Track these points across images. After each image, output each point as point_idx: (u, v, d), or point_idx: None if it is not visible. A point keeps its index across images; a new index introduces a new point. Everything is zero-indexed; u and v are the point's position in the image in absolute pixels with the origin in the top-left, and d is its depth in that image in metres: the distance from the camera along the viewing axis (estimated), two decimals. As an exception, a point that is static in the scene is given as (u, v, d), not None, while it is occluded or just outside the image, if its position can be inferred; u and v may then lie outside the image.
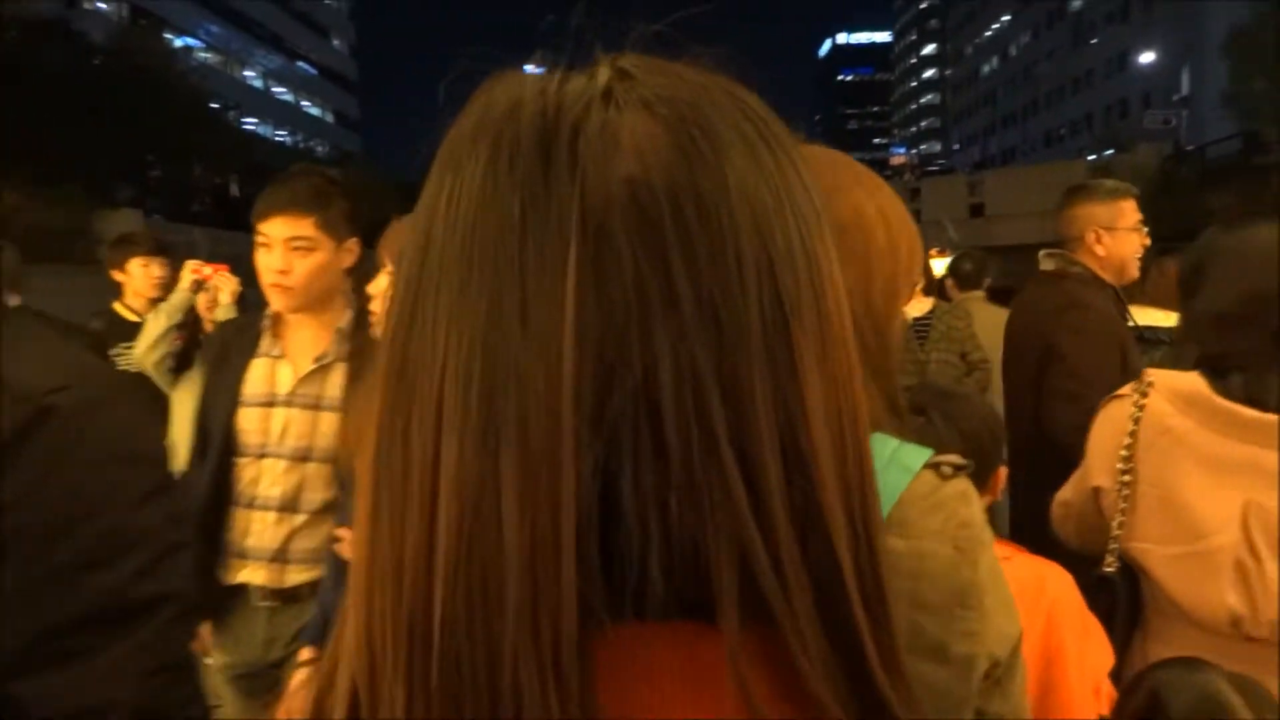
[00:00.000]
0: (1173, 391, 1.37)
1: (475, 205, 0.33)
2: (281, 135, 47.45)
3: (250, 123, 41.52)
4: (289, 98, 52.31)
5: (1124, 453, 1.39)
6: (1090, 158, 24.17)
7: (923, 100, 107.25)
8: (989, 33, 72.05)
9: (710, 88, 0.36)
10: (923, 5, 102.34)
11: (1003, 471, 1.43)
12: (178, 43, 35.89)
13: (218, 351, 1.90)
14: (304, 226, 1.76)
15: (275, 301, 1.80)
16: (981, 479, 1.31)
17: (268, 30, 48.64)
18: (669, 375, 0.31)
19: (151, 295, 3.44)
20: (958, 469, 0.72)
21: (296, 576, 1.79)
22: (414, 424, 0.33)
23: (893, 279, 0.80)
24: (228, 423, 1.81)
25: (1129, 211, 2.33)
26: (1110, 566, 1.41)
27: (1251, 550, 1.25)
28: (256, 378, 1.83)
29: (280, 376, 1.83)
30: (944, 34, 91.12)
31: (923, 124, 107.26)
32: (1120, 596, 1.41)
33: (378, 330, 1.49)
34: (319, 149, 47.82)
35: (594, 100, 0.34)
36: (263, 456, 1.79)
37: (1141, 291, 2.66)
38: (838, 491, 0.34)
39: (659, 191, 0.33)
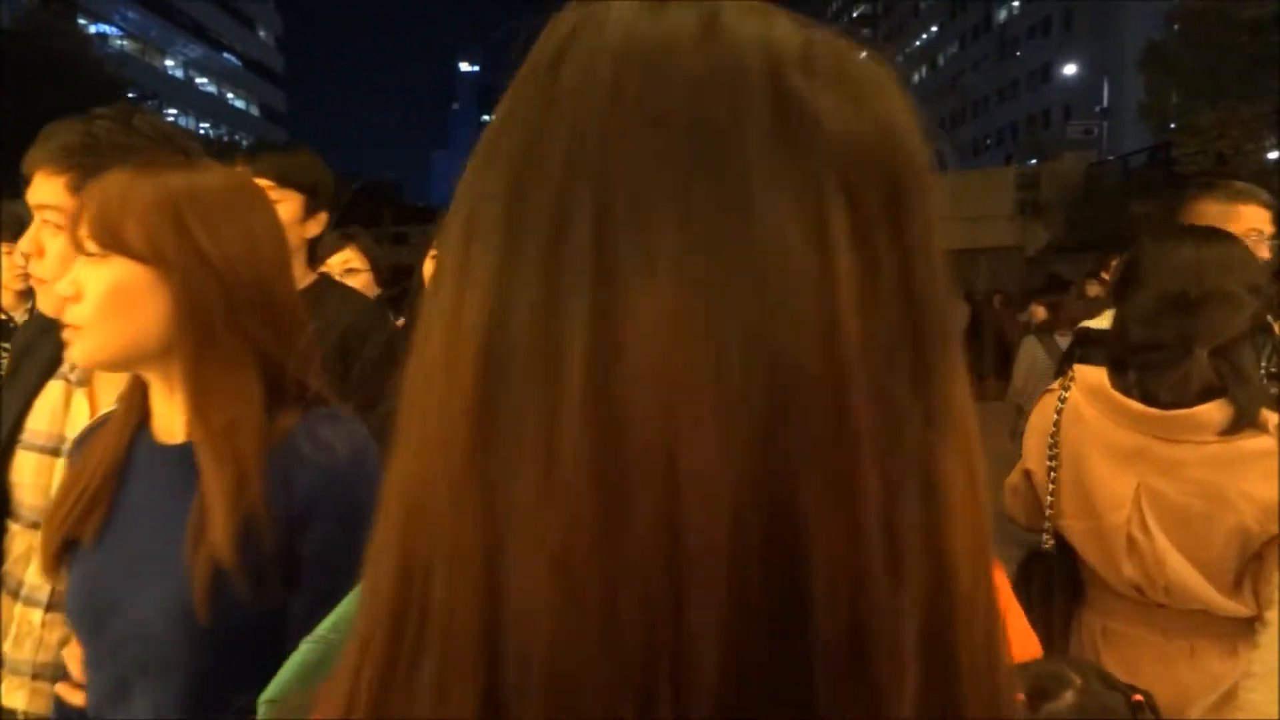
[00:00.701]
0: (1086, 385, 1.57)
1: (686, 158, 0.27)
2: (204, 127, 45.87)
3: (171, 114, 40.01)
4: (212, 89, 50.64)
5: (1050, 440, 1.58)
6: (1020, 165, 24.82)
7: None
8: (918, 43, 73.70)
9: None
10: (855, 14, 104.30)
11: None
12: (92, 29, 34.35)
13: (12, 361, 1.37)
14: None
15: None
16: None
17: (189, 19, 47.00)
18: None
19: (18, 288, 3.00)
20: None
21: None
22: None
23: None
24: None
25: (1246, 216, 2.13)
26: (1047, 543, 1.59)
27: (1143, 526, 1.45)
28: (44, 409, 1.28)
29: (76, 413, 1.27)
30: (876, 42, 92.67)
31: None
32: (1056, 570, 1.58)
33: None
34: (244, 142, 46.37)
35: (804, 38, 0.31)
36: (38, 526, 1.13)
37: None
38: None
39: (894, 152, 0.30)
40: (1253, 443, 1.42)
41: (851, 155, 0.28)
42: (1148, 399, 1.48)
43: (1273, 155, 13.91)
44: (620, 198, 0.27)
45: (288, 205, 1.85)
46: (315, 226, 1.94)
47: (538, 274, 0.27)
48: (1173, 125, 22.49)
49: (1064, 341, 4.75)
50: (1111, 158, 22.61)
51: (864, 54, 0.34)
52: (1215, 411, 1.43)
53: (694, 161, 0.27)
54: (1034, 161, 26.25)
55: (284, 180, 1.87)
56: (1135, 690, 0.99)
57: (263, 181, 1.52)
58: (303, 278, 1.85)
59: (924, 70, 72.50)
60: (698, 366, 0.25)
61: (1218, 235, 1.53)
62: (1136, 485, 1.46)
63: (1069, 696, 0.95)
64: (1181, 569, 1.43)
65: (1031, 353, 5.18)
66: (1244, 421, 1.41)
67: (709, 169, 0.27)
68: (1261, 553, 1.41)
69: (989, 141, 58.06)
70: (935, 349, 0.29)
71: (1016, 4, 55.76)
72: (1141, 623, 1.50)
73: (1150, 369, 1.49)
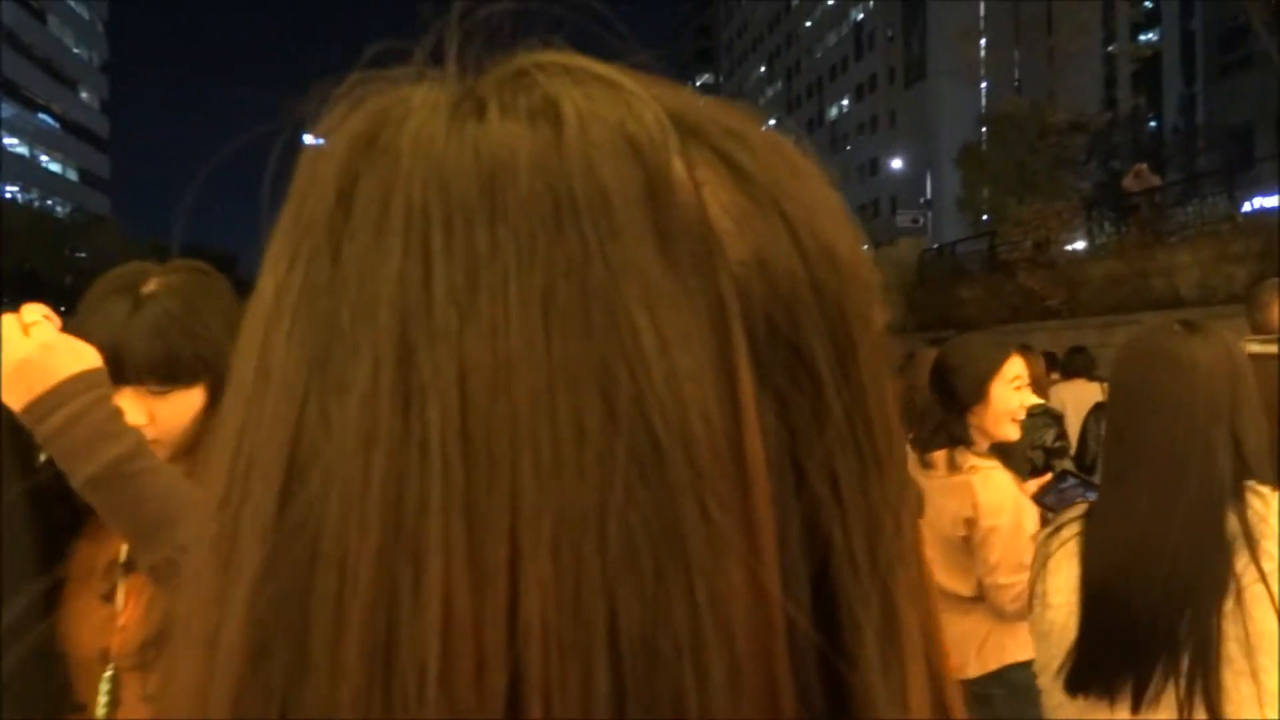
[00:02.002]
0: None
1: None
2: (12, 191, 42.24)
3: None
4: (23, 150, 46.90)
5: None
6: (864, 248, 26.36)
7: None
8: (757, 134, 78.03)
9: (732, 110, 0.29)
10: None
11: None
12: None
13: None
14: None
15: None
16: None
17: (1, 76, 43.64)
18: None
19: None
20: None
21: None
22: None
23: None
24: None
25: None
26: None
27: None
28: None
29: None
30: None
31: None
32: None
33: None
34: (58, 209, 43.01)
35: (668, 139, 0.24)
36: None
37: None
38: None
39: (798, 276, 0.25)
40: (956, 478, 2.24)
41: (762, 273, 0.24)
42: (924, 465, 2.32)
43: (1081, 245, 15.32)
44: (481, 376, 0.21)
45: None
46: None
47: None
48: (985, 217, 24.70)
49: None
50: (936, 245, 24.37)
51: (773, 129, 0.29)
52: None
53: (562, 319, 0.22)
54: (865, 247, 27.94)
55: None
56: None
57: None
58: None
59: (763, 160, 76.68)
60: None
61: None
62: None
63: None
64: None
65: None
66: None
67: (575, 327, 0.22)
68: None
69: (824, 228, 61.67)
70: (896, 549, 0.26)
71: (846, 103, 60.32)
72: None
73: (916, 443, 2.36)
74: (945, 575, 2.21)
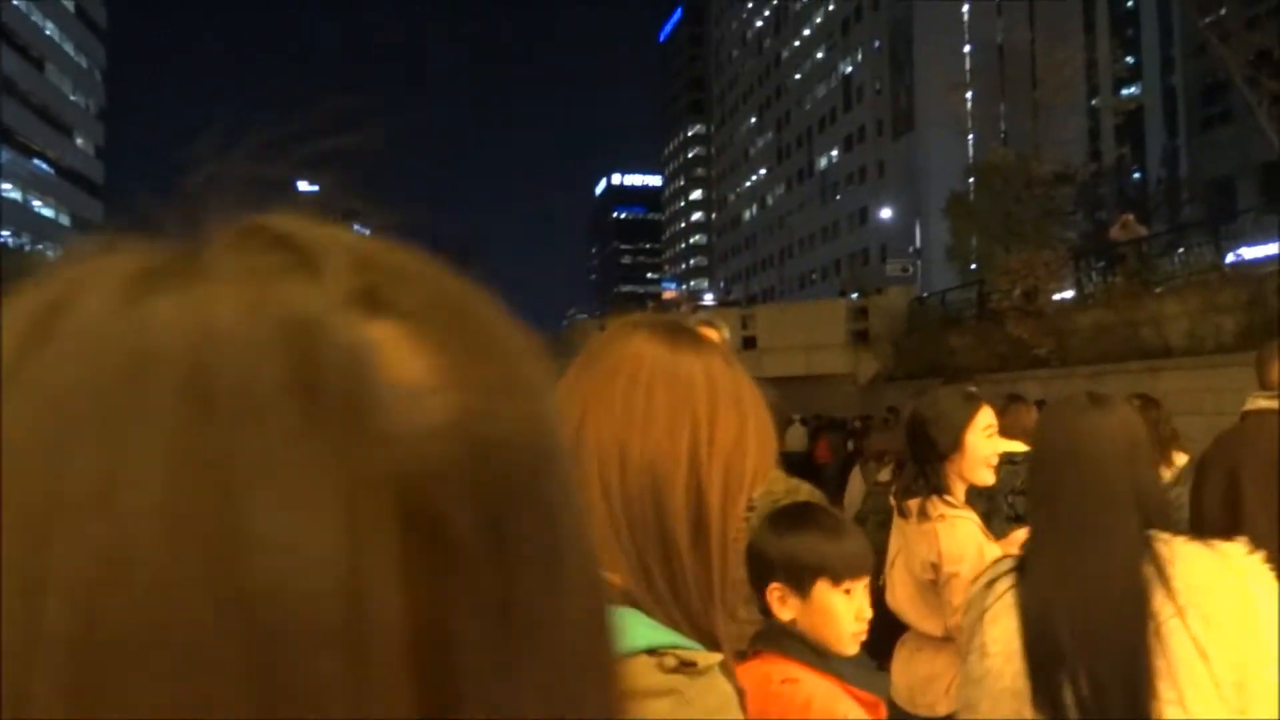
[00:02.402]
0: None
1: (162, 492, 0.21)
2: (4, 236, 42.28)
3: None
4: (16, 195, 47.07)
5: None
6: (853, 296, 26.50)
7: (691, 240, 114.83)
8: (748, 183, 79.01)
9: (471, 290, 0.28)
10: (690, 154, 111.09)
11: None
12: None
13: None
14: None
15: None
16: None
17: (-3, 122, 43.94)
18: None
19: None
20: (686, 664, 0.65)
21: None
22: None
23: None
24: None
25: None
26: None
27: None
28: None
29: None
30: (709, 181, 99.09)
31: (691, 262, 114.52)
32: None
33: None
34: (50, 253, 42.92)
35: (336, 309, 0.24)
36: None
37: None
38: None
39: (496, 441, 0.24)
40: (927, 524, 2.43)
41: (423, 455, 0.23)
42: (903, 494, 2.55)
43: (1069, 294, 15.41)
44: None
45: None
46: None
47: None
48: (974, 266, 24.93)
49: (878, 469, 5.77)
50: (926, 294, 24.54)
51: (473, 288, 0.27)
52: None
53: (191, 514, 0.21)
54: (855, 296, 28.13)
55: None
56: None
57: None
58: None
59: (754, 208, 77.53)
60: None
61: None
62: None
63: None
64: (896, 602, 2.50)
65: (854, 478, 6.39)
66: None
67: (202, 522, 0.21)
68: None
69: (814, 276, 62.18)
70: None
71: (835, 153, 61.18)
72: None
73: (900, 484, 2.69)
74: (917, 616, 2.43)
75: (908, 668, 2.45)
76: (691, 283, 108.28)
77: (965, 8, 50.47)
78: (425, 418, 0.23)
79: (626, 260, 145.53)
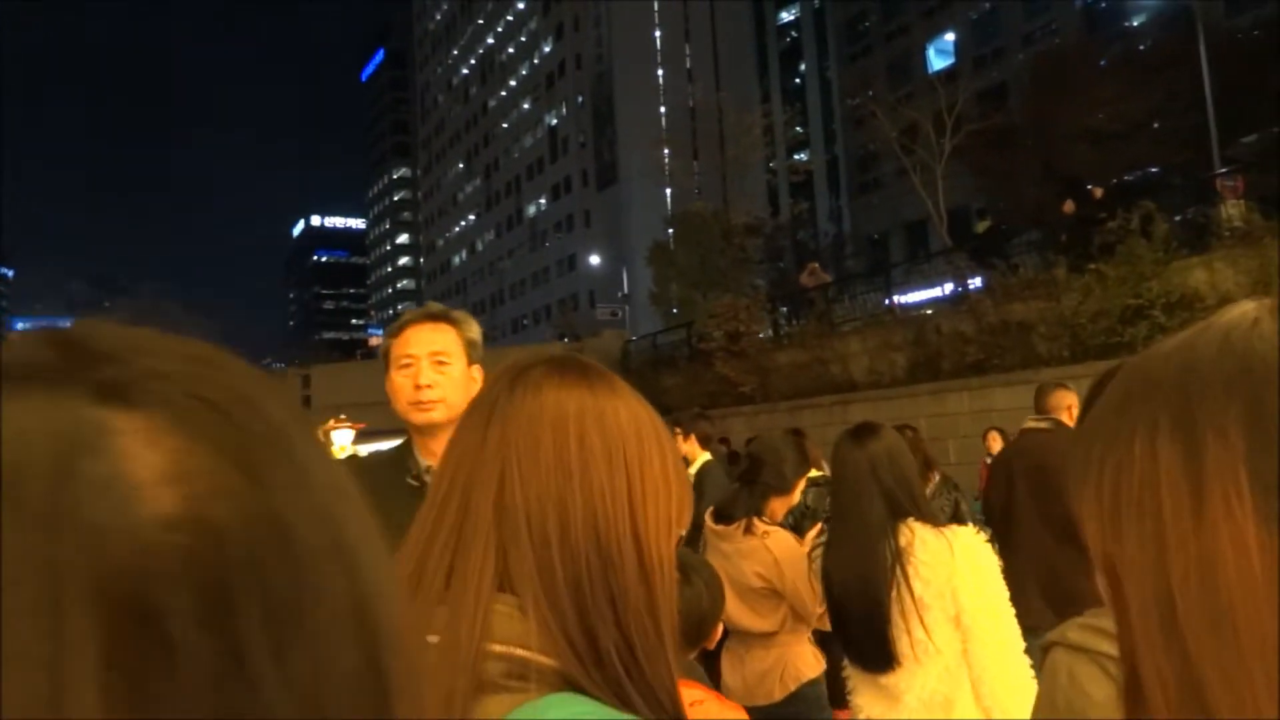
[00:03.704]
0: None
1: None
2: None
3: None
4: None
5: None
6: (567, 340, 26.91)
7: (399, 285, 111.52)
8: (458, 229, 78.43)
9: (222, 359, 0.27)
10: (396, 197, 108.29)
11: (717, 631, 2.07)
12: None
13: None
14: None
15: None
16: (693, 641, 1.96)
17: None
18: None
19: None
20: None
21: None
22: None
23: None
24: None
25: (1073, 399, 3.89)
26: None
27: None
28: None
29: None
30: (417, 226, 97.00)
31: (400, 307, 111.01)
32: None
33: None
34: None
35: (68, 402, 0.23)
36: None
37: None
38: None
39: (225, 533, 0.23)
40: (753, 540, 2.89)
41: (140, 548, 0.22)
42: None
43: (768, 335, 16.72)
44: None
45: None
46: None
47: None
48: (675, 310, 26.48)
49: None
50: (635, 337, 25.58)
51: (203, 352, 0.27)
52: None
53: None
54: (565, 339, 28.71)
55: None
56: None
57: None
58: None
59: (464, 254, 77.03)
60: None
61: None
62: None
63: None
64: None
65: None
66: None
67: None
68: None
69: (526, 321, 62.82)
70: None
71: (544, 201, 62.60)
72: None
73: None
74: (749, 619, 2.88)
75: (741, 667, 2.90)
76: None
77: (660, 71, 54.21)
78: (149, 509, 0.22)
79: (329, 305, 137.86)
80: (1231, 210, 10.99)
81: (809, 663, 2.84)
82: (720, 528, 2.93)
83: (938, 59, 35.76)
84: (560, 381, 0.76)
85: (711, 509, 3.03)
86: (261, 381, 0.27)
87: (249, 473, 0.24)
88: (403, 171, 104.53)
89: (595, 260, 49.60)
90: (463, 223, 77.33)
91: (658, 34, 55.14)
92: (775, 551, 2.80)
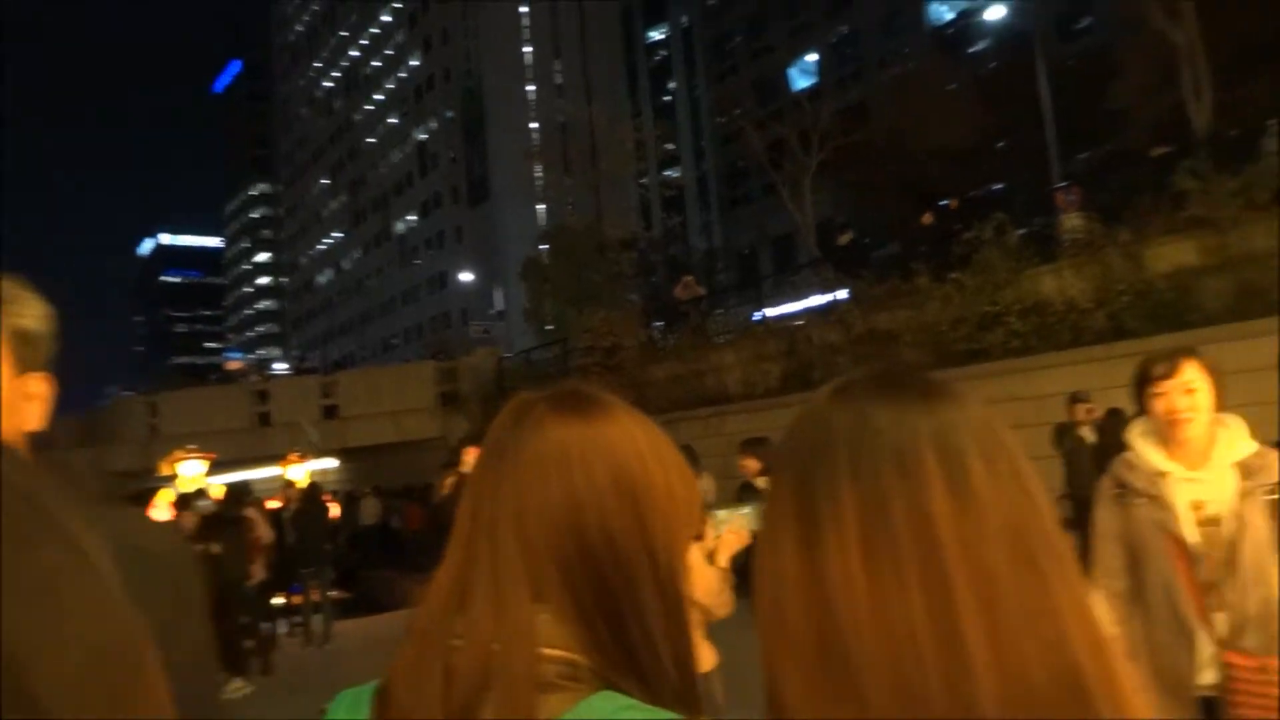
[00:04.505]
0: None
1: None
2: None
3: None
4: None
5: None
6: (438, 359, 26.12)
7: (259, 306, 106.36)
8: (323, 246, 75.54)
9: None
10: (255, 214, 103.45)
11: None
12: None
13: None
14: None
15: None
16: None
17: None
18: None
19: None
20: None
21: None
22: None
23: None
24: None
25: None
26: None
27: None
28: None
29: None
30: (279, 244, 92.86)
31: (260, 329, 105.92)
32: None
33: None
34: None
35: None
36: None
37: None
38: None
39: None
40: None
41: None
42: None
43: (645, 349, 16.64)
44: None
45: None
46: None
47: None
48: (550, 326, 26.18)
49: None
50: (509, 354, 25.09)
51: None
52: None
53: None
54: (438, 359, 27.97)
55: None
56: None
57: None
58: None
59: (331, 272, 74.24)
60: None
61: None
62: None
63: None
64: None
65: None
66: None
67: None
68: None
69: (396, 340, 60.97)
70: None
71: (413, 218, 61.03)
72: None
73: None
74: None
75: None
76: (261, 351, 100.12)
77: (531, 87, 53.89)
78: None
79: (181, 329, 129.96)
80: (1074, 221, 11.64)
81: (702, 658, 2.96)
82: None
83: (801, 78, 36.94)
84: (559, 419, 0.82)
85: None
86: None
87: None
88: (262, 187, 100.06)
89: (467, 277, 48.65)
90: (328, 240, 74.55)
91: (528, 49, 54.83)
92: None
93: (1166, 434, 2.44)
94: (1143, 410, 2.49)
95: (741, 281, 27.22)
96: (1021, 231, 11.61)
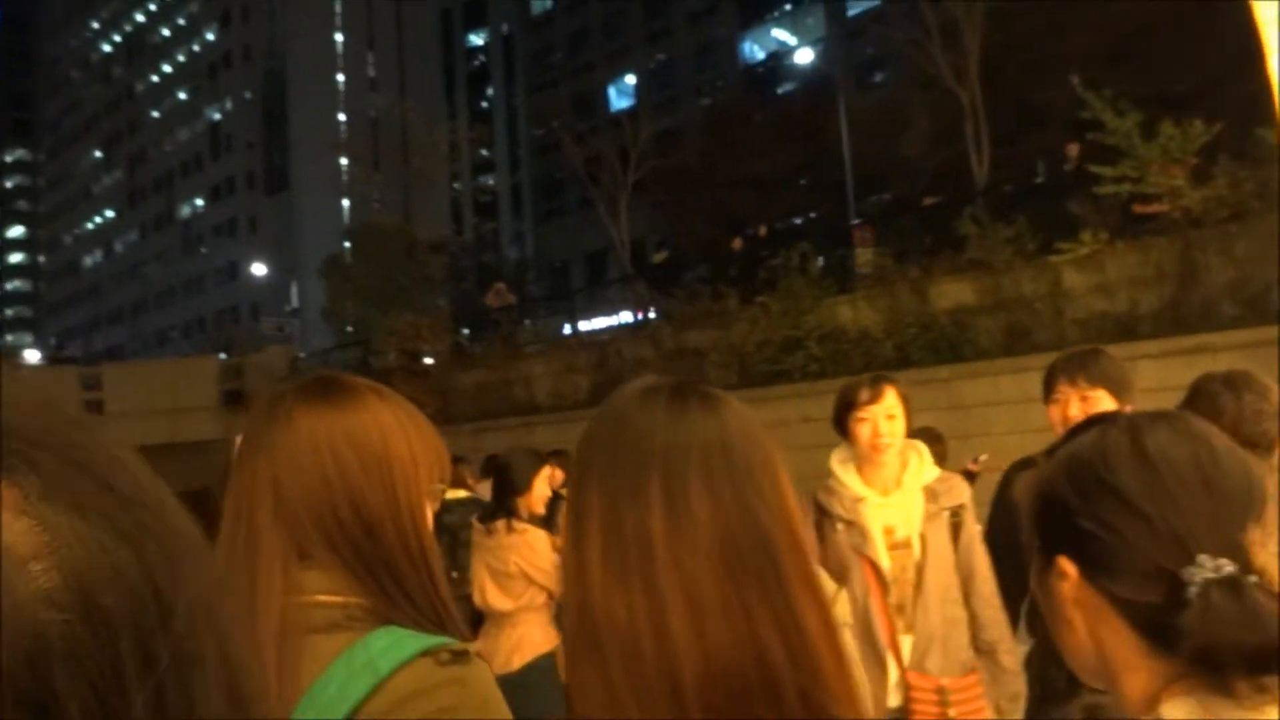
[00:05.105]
0: None
1: None
2: None
3: None
4: None
5: None
6: (222, 356, 24.16)
7: (10, 286, 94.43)
8: (91, 225, 68.28)
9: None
10: (9, 184, 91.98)
11: None
12: None
13: None
14: None
15: None
16: None
17: None
18: None
19: None
20: (457, 655, 0.85)
21: None
22: None
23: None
24: None
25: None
26: None
27: None
28: None
29: None
30: (36, 218, 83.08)
31: (9, 312, 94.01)
32: None
33: None
34: None
35: None
36: None
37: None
38: None
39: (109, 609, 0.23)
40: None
41: (26, 628, 0.21)
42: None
43: (451, 355, 16.18)
44: None
45: None
46: None
47: None
48: (350, 328, 24.97)
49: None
50: (304, 354, 23.67)
51: None
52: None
53: None
54: (224, 355, 25.97)
55: None
56: None
57: None
58: None
59: (99, 254, 67.22)
60: None
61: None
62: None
63: None
64: (481, 593, 3.60)
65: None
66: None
67: None
68: None
69: (174, 333, 56.03)
70: None
71: (201, 202, 56.41)
72: None
73: None
74: (500, 600, 3.51)
75: (491, 642, 3.41)
76: (10, 337, 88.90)
77: (340, 76, 51.46)
78: (30, 586, 0.21)
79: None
80: (867, 256, 12.48)
81: (545, 638, 3.49)
82: (486, 527, 3.62)
83: (619, 99, 37.57)
84: (307, 408, 0.92)
85: (477, 515, 3.81)
86: (103, 439, 0.25)
87: (126, 541, 0.23)
88: (20, 153, 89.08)
89: (261, 270, 45.50)
90: (98, 219, 67.46)
91: (339, 37, 52.35)
92: (538, 546, 3.53)
93: (865, 459, 2.53)
94: (844, 436, 2.57)
95: (553, 293, 27.16)
96: (822, 262, 12.31)
